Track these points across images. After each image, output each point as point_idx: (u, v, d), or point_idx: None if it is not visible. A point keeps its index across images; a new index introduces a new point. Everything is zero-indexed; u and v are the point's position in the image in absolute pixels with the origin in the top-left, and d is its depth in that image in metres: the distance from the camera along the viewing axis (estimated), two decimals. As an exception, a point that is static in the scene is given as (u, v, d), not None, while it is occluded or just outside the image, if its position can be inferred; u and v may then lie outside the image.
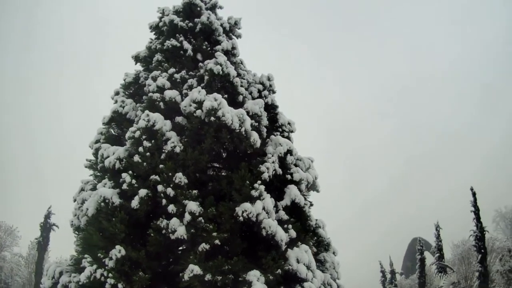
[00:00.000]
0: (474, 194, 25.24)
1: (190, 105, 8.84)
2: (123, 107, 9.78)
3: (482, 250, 22.83)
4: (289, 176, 9.05)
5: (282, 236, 7.20)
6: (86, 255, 6.54)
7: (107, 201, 6.99)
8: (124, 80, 11.36)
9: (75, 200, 10.05)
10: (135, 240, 6.98)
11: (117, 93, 10.83)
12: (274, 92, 11.82)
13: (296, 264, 7.08)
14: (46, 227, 27.66)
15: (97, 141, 9.99)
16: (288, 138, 10.94)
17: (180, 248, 7.42)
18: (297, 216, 8.37)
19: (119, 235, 6.78)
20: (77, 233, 8.20)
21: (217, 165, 8.96)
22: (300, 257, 7.17)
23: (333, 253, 10.12)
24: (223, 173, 8.49)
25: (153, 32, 13.24)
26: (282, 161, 9.25)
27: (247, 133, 8.75)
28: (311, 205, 10.01)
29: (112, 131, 10.16)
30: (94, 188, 10.03)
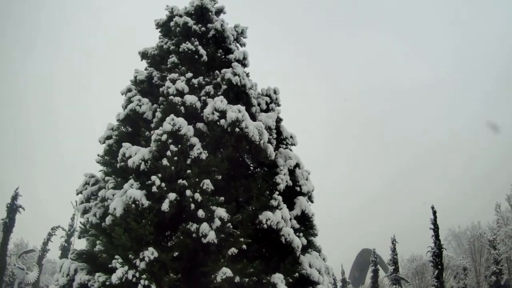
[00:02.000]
0: (434, 213, 28.03)
1: (213, 113, 9.52)
2: (140, 106, 10.15)
3: (439, 266, 25.44)
4: (298, 188, 10.04)
5: (298, 243, 8.17)
6: (116, 256, 6.96)
7: (137, 202, 7.45)
8: (135, 77, 11.68)
9: (78, 193, 10.28)
10: (160, 241, 7.53)
11: (129, 90, 11.15)
12: (279, 105, 12.76)
13: (309, 268, 8.07)
14: (13, 209, 27.06)
15: (108, 137, 10.29)
16: (290, 150, 11.94)
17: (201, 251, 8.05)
18: (306, 225, 9.37)
19: (147, 237, 7.30)
20: (91, 230, 8.52)
21: (233, 173, 9.67)
22: (313, 262, 8.17)
23: (323, 259, 11.26)
24: (241, 181, 9.21)
25: (159, 30, 13.68)
26: (291, 173, 10.23)
27: (264, 145, 9.60)
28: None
29: (123, 128, 10.48)
30: (95, 183, 10.32)
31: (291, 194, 9.85)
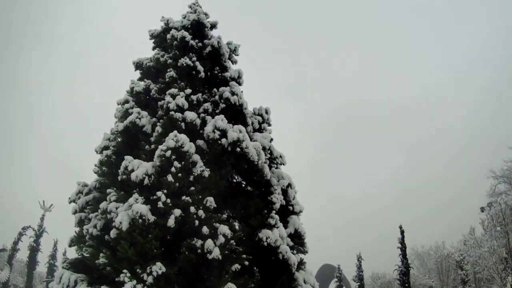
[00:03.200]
0: (402, 232, 29.71)
1: (214, 132, 10.01)
2: (140, 119, 10.39)
3: (406, 284, 26.92)
4: (290, 207, 10.69)
5: (294, 260, 8.79)
6: (124, 270, 7.20)
7: (143, 217, 7.74)
8: (132, 88, 11.93)
9: (71, 202, 10.33)
10: (165, 256, 7.84)
11: (126, 101, 11.36)
12: (270, 125, 13.44)
13: (304, 284, 8.69)
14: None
15: (105, 147, 10.43)
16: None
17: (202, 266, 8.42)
18: (298, 243, 9.99)
19: (153, 251, 7.60)
20: (89, 241, 8.63)
21: (229, 191, 10.13)
22: (307, 278, 8.81)
23: (310, 274, 11.92)
24: (238, 198, 9.70)
25: (153, 40, 14.04)
26: (284, 193, 10.87)
27: (261, 165, 10.20)
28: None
29: (120, 138, 10.63)
30: (89, 193, 10.40)
31: (284, 213, 10.47)
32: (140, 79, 13.16)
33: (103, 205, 8.62)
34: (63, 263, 9.80)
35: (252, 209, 9.43)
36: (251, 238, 8.81)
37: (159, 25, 14.29)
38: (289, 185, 11.21)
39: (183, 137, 9.38)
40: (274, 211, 9.45)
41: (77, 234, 9.36)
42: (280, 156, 12.94)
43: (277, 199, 10.09)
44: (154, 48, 14.00)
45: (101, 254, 7.84)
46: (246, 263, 8.10)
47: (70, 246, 10.21)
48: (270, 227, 9.08)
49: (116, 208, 8.27)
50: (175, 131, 9.41)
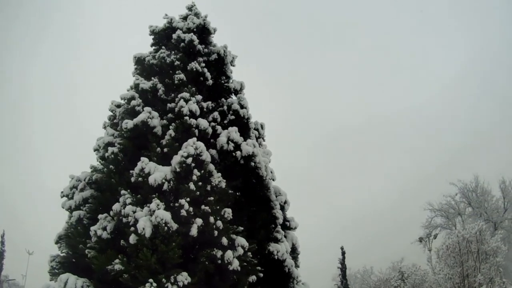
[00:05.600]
0: (343, 253, 31.99)
1: (228, 143, 10.40)
2: (151, 119, 10.33)
3: (346, 303, 28.94)
4: (287, 223, 11.43)
5: (297, 273, 9.67)
6: (150, 280, 7.27)
7: (168, 225, 7.86)
8: (137, 84, 11.74)
9: (64, 196, 9.97)
10: (182, 265, 8.04)
11: (133, 98, 11.15)
12: (264, 140, 14.13)
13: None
14: None
15: (110, 144, 10.20)
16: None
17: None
18: (293, 257, 10.76)
19: (174, 260, 7.77)
20: (91, 243, 8.47)
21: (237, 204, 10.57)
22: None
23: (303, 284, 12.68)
24: (245, 212, 10.19)
25: (152, 36, 14.00)
26: (281, 209, 11.58)
27: (267, 181, 10.84)
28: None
29: (126, 135, 10.37)
30: (83, 189, 10.10)
31: (282, 228, 11.16)
32: (139, 75, 13.01)
33: (116, 206, 8.49)
34: (51, 262, 9.39)
35: (259, 222, 9.99)
36: (258, 251, 9.34)
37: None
38: (285, 201, 11.96)
39: (201, 145, 9.63)
40: (279, 226, 10.11)
41: (72, 233, 9.01)
42: (271, 172, 13.71)
43: (280, 214, 10.77)
44: (153, 45, 13.94)
45: (117, 260, 7.75)
46: (261, 275, 8.62)
47: (56, 243, 9.81)
48: (276, 241, 9.72)
49: (133, 212, 8.25)
50: (194, 138, 9.62)
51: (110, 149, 9.92)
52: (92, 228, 8.50)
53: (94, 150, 11.20)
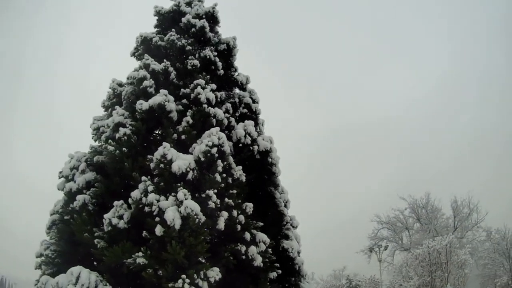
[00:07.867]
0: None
1: (245, 137, 10.31)
2: (168, 102, 9.88)
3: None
4: (290, 221, 11.56)
5: (305, 271, 9.85)
6: (183, 275, 6.98)
7: (197, 216, 7.60)
8: (148, 64, 11.15)
9: (62, 177, 9.34)
10: (211, 259, 7.85)
11: (144, 78, 10.58)
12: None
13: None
14: None
15: (121, 124, 9.63)
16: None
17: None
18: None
19: (202, 254, 7.55)
20: (98, 233, 7.97)
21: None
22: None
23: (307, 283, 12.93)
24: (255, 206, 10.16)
25: (157, 17, 13.51)
26: (284, 206, 11.71)
27: (277, 178, 10.92)
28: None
29: (138, 116, 9.82)
30: (84, 170, 9.47)
31: (286, 227, 11.30)
32: (141, 54, 12.45)
33: (135, 194, 8.00)
34: (45, 250, 8.70)
35: (271, 219, 10.03)
36: (273, 247, 9.37)
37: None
38: (287, 199, 12.10)
39: (223, 136, 9.42)
40: (288, 223, 10.22)
41: (75, 219, 8.35)
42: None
43: (286, 211, 10.89)
44: (157, 27, 13.45)
45: (140, 253, 7.35)
46: (280, 271, 8.66)
47: (49, 229, 9.11)
48: (286, 238, 9.83)
49: (157, 201, 7.87)
50: (217, 128, 9.40)
51: (122, 130, 9.35)
52: (105, 216, 7.92)
53: (94, 130, 10.55)
